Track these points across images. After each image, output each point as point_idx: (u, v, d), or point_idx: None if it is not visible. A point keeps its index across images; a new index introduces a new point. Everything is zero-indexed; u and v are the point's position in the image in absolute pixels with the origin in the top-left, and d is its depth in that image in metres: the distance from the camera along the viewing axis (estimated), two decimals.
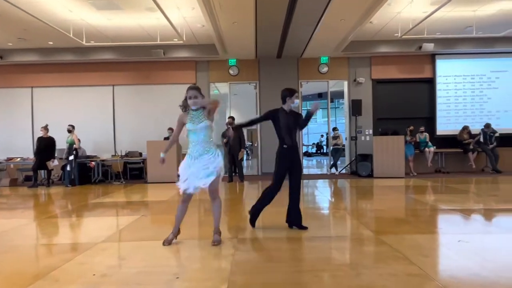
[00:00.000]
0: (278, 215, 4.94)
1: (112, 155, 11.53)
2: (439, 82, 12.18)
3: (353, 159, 11.92)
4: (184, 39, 9.98)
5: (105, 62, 11.89)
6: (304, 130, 17.20)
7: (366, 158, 11.20)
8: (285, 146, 4.69)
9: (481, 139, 11.40)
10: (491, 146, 11.27)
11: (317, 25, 9.04)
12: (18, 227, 5.27)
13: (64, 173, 10.66)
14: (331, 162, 12.30)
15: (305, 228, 4.63)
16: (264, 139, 11.84)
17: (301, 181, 4.83)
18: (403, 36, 10.24)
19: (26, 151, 11.55)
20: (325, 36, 9.87)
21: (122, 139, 12.08)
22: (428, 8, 8.70)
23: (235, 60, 11.91)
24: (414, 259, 3.35)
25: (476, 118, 12.08)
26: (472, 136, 11.55)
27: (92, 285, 2.91)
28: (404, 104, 12.20)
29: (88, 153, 11.19)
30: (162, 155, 4.15)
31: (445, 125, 12.17)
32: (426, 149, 11.48)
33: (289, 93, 4.67)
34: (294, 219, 4.71)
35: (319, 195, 8.56)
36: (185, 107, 4.04)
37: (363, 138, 12.12)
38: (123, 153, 11.30)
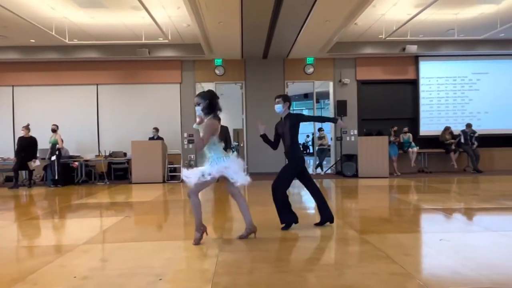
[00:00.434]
0: (263, 215, 4.94)
1: (96, 155, 11.36)
2: (422, 84, 12.39)
3: (338, 159, 12.02)
4: (170, 38, 9.91)
5: (89, 61, 11.71)
6: None
7: (351, 158, 11.32)
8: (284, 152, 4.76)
9: (462, 140, 11.64)
10: (474, 146, 11.51)
11: (302, 26, 9.09)
12: None
13: (46, 173, 10.46)
14: (317, 162, 12.38)
15: (287, 226, 4.72)
16: (250, 139, 11.85)
17: (283, 184, 4.82)
18: (387, 38, 10.39)
19: (7, 151, 11.28)
20: (310, 37, 9.93)
21: (106, 139, 11.92)
22: (412, 10, 8.84)
23: (221, 60, 11.87)
24: (397, 258, 3.39)
25: (458, 119, 12.33)
26: (454, 136, 11.79)
27: (74, 287, 2.86)
28: (388, 105, 12.37)
29: (71, 153, 10.99)
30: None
31: (428, 125, 12.39)
32: (410, 149, 11.66)
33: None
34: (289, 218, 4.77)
35: (305, 195, 8.58)
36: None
37: (348, 138, 12.24)
38: (107, 153, 11.14)
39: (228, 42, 10.22)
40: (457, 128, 11.91)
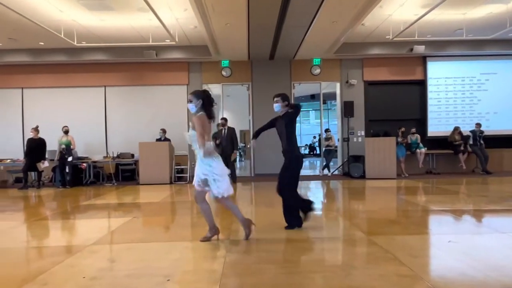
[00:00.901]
0: (269, 216, 4.94)
1: (104, 157, 11.45)
2: (430, 84, 12.31)
3: (345, 160, 11.98)
4: (177, 40, 9.96)
5: (97, 63, 11.81)
6: (297, 131, 17.29)
7: (358, 159, 11.27)
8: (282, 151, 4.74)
9: (471, 141, 11.54)
10: (480, 146, 11.40)
11: (309, 27, 9.08)
12: (7, 230, 5.20)
13: (55, 174, 10.57)
14: (324, 163, 12.34)
15: (290, 227, 4.71)
16: (257, 140, 11.82)
17: (288, 184, 4.72)
18: (395, 38, 10.34)
19: (16, 152, 11.42)
20: (317, 38, 9.92)
21: (114, 140, 12.01)
22: (419, 10, 8.79)
23: (228, 61, 11.91)
24: (405, 259, 3.37)
25: (467, 120, 12.22)
26: (463, 137, 11.68)
27: None
28: (396, 105, 12.30)
29: (79, 155, 11.10)
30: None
31: (436, 126, 12.30)
32: (418, 150, 11.58)
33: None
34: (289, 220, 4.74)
35: (312, 196, 8.57)
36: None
37: (355, 139, 12.20)
38: (115, 155, 11.23)
39: (234, 44, 10.25)
40: (465, 129, 11.81)
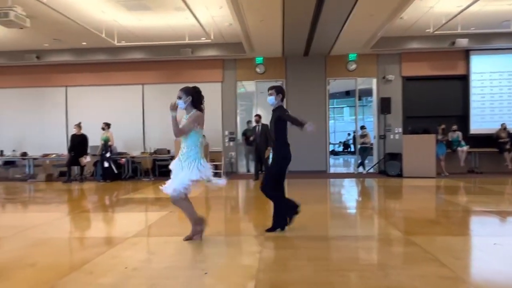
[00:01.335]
0: (303, 213, 4.91)
1: (142, 152, 11.82)
2: (473, 79, 11.73)
3: (381, 158, 11.69)
4: (212, 37, 10.08)
5: (135, 62, 12.18)
6: (331, 128, 16.99)
7: (395, 157, 10.96)
8: None
9: None
10: None
11: (345, 21, 8.90)
12: (53, 221, 5.50)
13: (97, 169, 11.04)
14: (359, 161, 12.11)
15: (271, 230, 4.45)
16: (290, 137, 11.78)
17: (269, 181, 4.49)
18: (436, 32, 9.93)
19: (61, 147, 12.00)
20: (353, 33, 9.70)
21: (151, 136, 12.35)
22: (463, 2, 8.38)
23: (261, 58, 11.91)
24: (446, 261, 3.25)
25: None
26: (510, 135, 11.05)
27: (125, 278, 3.01)
28: (436, 102, 11.81)
29: (118, 150, 11.53)
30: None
31: (479, 123, 11.70)
32: (459, 148, 11.09)
33: None
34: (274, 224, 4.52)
35: (346, 194, 8.46)
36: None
37: (392, 136, 11.85)
38: (152, 151, 11.56)
39: (269, 40, 10.23)
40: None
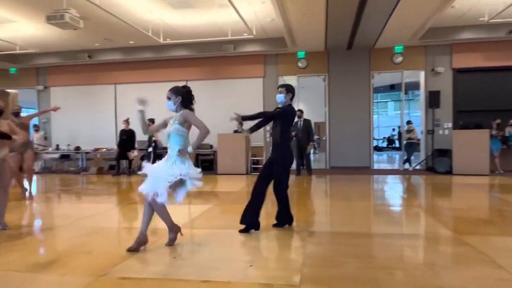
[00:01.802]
0: (347, 210, 4.84)
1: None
2: None
3: (429, 154, 11.20)
4: (254, 33, 10.12)
5: (179, 59, 12.50)
6: (375, 123, 16.51)
7: (444, 153, 10.46)
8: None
9: None
10: None
11: (392, 12, 8.58)
12: (105, 212, 5.81)
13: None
14: (405, 157, 11.69)
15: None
16: (333, 132, 11.63)
17: (286, 184, 4.36)
18: (491, 20, 9.32)
19: (110, 142, 12.61)
20: (400, 24, 9.33)
21: (194, 131, 12.62)
22: None
23: (304, 52, 11.78)
24: (503, 262, 3.07)
25: None
26: None
27: (174, 267, 3.13)
28: (490, 95, 11.11)
29: (164, 145, 11.90)
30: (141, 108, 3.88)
31: None
32: None
33: None
34: (284, 220, 4.42)
35: (390, 191, 8.21)
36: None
37: (441, 132, 11.31)
38: None
39: (311, 34, 10.10)
40: None
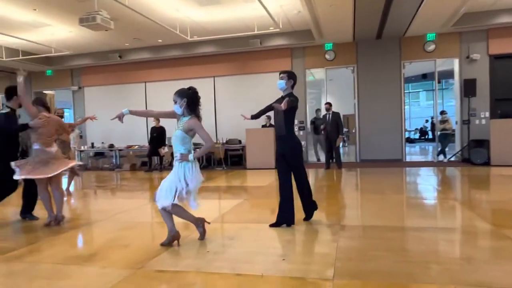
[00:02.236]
0: (379, 203, 4.76)
1: (214, 143, 12.29)
2: None
3: (465, 145, 10.79)
4: (280, 26, 10.05)
5: (206, 55, 12.61)
6: (406, 114, 16.03)
7: (481, 144, 10.04)
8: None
9: None
10: None
11: None
12: (140, 207, 5.98)
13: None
14: (439, 149, 11.31)
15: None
16: (363, 125, 11.41)
17: (305, 173, 4.31)
18: None
19: (142, 139, 12.95)
20: (433, 10, 8.99)
21: (223, 127, 12.76)
22: None
23: (331, 44, 11.60)
24: None
25: None
26: None
27: (208, 261, 3.19)
28: None
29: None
30: (125, 111, 3.83)
31: None
32: None
33: None
34: (311, 210, 4.39)
35: (423, 183, 7.97)
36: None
37: (477, 121, 10.86)
38: (224, 141, 11.96)
39: (339, 25, 9.91)
40: None
